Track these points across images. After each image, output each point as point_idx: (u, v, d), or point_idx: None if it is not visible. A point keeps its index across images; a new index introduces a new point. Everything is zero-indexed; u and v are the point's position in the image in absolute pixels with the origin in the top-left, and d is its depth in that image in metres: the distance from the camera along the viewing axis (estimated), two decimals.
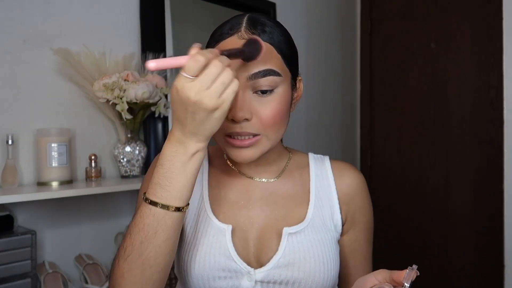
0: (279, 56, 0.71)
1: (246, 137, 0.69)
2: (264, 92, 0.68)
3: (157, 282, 0.65)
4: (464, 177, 2.07)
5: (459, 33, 2.08)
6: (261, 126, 0.69)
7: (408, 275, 0.58)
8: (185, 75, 0.55)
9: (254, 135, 0.69)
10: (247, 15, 0.73)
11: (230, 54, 0.61)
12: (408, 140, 2.29)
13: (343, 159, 0.81)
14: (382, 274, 0.60)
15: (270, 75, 0.68)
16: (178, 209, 0.62)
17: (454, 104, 2.11)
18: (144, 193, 0.64)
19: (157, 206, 0.62)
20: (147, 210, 0.62)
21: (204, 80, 0.55)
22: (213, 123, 0.59)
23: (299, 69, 0.78)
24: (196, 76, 0.56)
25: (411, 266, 0.58)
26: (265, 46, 0.67)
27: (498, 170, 1.90)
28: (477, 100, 2.02)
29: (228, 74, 0.57)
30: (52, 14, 1.34)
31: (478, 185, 2.02)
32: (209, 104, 0.56)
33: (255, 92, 0.68)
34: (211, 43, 0.72)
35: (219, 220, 0.75)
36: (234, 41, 0.68)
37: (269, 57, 0.69)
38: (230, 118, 0.67)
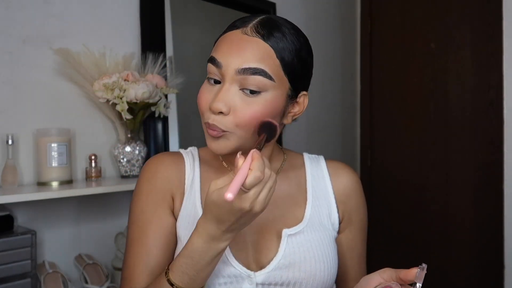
0: (277, 61, 0.68)
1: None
2: (251, 92, 0.67)
3: None
4: (464, 177, 2.07)
5: (459, 33, 2.08)
6: (234, 124, 0.67)
7: (419, 274, 0.57)
8: (244, 189, 0.56)
9: (223, 131, 0.68)
10: (266, 15, 0.72)
11: (262, 147, 0.63)
12: (408, 140, 2.29)
13: (343, 159, 0.82)
14: (387, 273, 0.61)
15: (259, 75, 0.66)
16: None
17: (454, 104, 2.10)
18: (167, 271, 0.65)
19: None
20: None
21: (257, 190, 0.57)
22: (252, 220, 0.61)
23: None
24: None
25: (421, 265, 0.58)
26: (271, 58, 0.68)
27: (498, 170, 1.89)
28: (477, 100, 2.02)
29: (272, 179, 0.59)
30: (52, 14, 1.34)
31: (478, 185, 2.02)
32: (259, 210, 0.58)
33: (242, 89, 0.67)
34: (216, 39, 0.73)
35: None
36: (236, 35, 0.69)
37: (265, 58, 0.67)
38: (208, 107, 0.68)
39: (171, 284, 0.63)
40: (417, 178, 2.24)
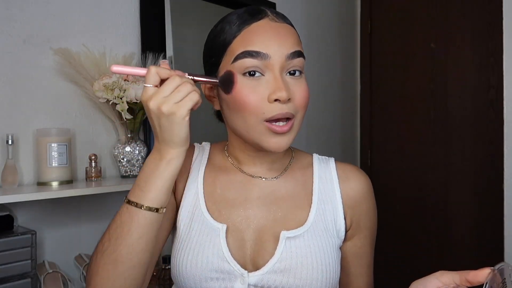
0: (301, 42, 0.73)
1: (284, 123, 0.68)
2: (293, 73, 0.69)
3: (128, 280, 0.65)
4: (464, 177, 2.07)
5: (459, 33, 2.08)
6: (296, 107, 0.69)
7: (507, 269, 0.49)
8: (145, 84, 0.62)
9: (289, 118, 0.68)
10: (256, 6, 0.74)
11: (198, 79, 0.67)
12: (408, 140, 2.29)
13: (343, 159, 0.81)
14: (446, 276, 0.55)
15: (301, 56, 0.70)
16: (150, 209, 0.64)
17: (454, 104, 2.11)
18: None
19: (132, 205, 0.65)
20: (124, 208, 0.66)
21: (163, 89, 0.61)
22: (177, 128, 0.62)
23: None
24: (157, 86, 0.62)
25: (502, 264, 0.50)
26: (299, 39, 0.72)
27: (498, 170, 1.89)
28: (477, 100, 2.02)
29: (187, 86, 0.61)
30: (52, 14, 1.34)
31: (478, 185, 2.02)
32: (165, 109, 0.60)
33: (288, 73, 0.69)
34: (231, 33, 0.69)
35: (214, 218, 0.73)
36: (267, 23, 0.69)
37: (297, 41, 0.71)
38: (273, 99, 0.66)
39: (125, 199, 0.66)
40: (417, 178, 2.24)
